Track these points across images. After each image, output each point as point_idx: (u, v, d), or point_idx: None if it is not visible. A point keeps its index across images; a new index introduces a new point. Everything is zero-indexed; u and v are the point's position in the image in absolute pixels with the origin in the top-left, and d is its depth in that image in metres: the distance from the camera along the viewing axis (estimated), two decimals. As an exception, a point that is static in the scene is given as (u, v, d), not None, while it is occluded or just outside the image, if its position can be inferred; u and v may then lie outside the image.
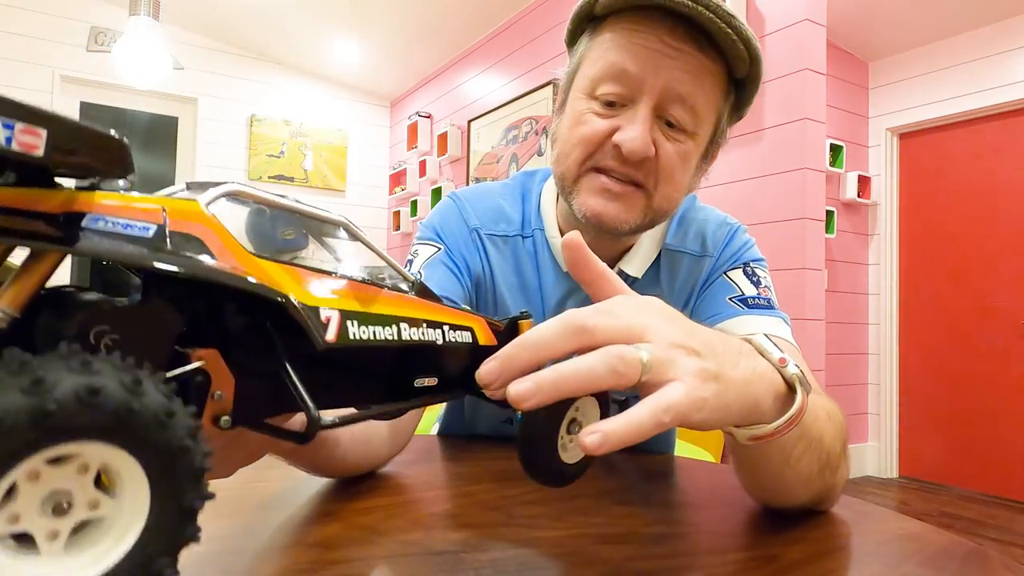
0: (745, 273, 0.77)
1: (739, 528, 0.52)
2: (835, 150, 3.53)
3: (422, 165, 4.43)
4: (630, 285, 0.78)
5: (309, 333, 0.29)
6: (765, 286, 0.77)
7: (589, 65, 0.68)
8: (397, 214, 4.73)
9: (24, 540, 0.21)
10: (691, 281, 0.79)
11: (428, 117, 4.50)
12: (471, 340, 0.40)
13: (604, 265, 0.43)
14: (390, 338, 0.34)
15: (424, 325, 0.36)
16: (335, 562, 0.40)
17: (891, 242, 3.78)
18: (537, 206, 0.82)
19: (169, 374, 0.26)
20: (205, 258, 0.25)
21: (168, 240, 0.24)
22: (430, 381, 0.40)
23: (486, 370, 0.34)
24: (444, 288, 0.72)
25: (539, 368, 0.33)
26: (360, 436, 0.55)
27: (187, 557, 0.23)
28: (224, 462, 0.37)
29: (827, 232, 3.22)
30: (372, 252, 0.35)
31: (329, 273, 0.32)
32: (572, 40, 0.73)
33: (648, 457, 0.77)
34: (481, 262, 0.80)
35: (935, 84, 3.54)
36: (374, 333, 0.33)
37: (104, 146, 0.21)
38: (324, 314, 0.30)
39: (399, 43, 4.20)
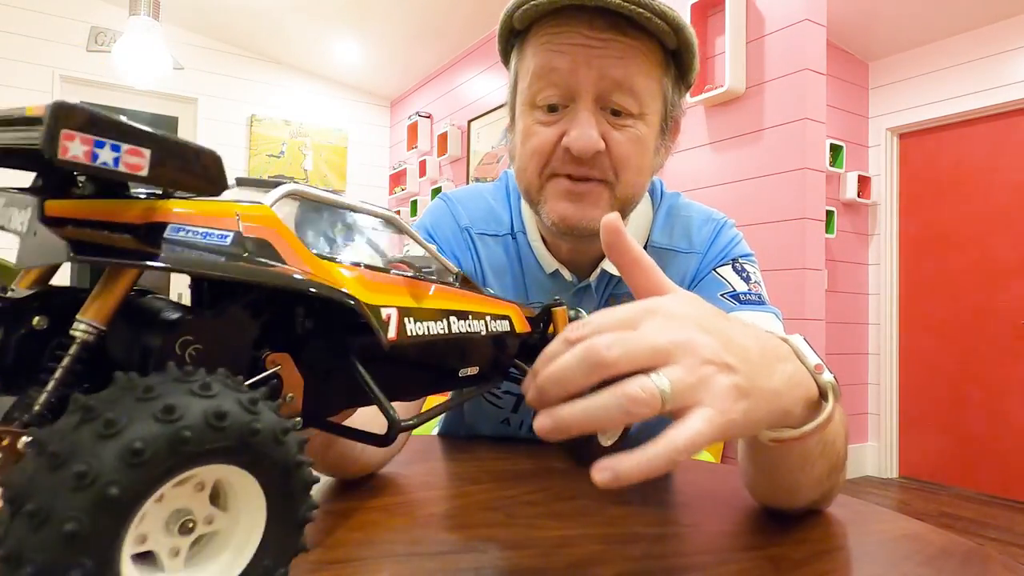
0: (735, 269, 0.77)
1: (739, 528, 0.52)
2: (835, 150, 3.53)
3: (422, 165, 4.43)
4: (615, 286, 0.78)
5: (377, 334, 0.29)
6: (755, 281, 0.76)
7: (524, 76, 0.69)
8: (397, 214, 4.72)
9: (147, 558, 0.21)
10: (678, 279, 0.78)
11: (428, 117, 4.50)
12: (509, 328, 0.41)
13: (641, 251, 0.43)
14: (442, 332, 0.35)
15: (470, 317, 0.38)
16: (335, 562, 0.40)
17: (891, 242, 3.77)
18: (519, 209, 0.83)
19: (249, 381, 0.26)
20: (281, 265, 0.26)
21: (244, 247, 0.25)
22: (472, 370, 0.41)
23: (528, 399, 0.36)
24: None
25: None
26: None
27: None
28: None
29: (827, 232, 3.21)
30: (418, 244, 0.37)
31: (385, 270, 0.33)
32: (506, 59, 0.75)
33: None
34: (472, 261, 0.81)
35: (935, 84, 3.54)
36: (428, 328, 0.34)
37: (202, 162, 0.21)
38: (385, 312, 0.31)
39: (399, 43, 4.20)
